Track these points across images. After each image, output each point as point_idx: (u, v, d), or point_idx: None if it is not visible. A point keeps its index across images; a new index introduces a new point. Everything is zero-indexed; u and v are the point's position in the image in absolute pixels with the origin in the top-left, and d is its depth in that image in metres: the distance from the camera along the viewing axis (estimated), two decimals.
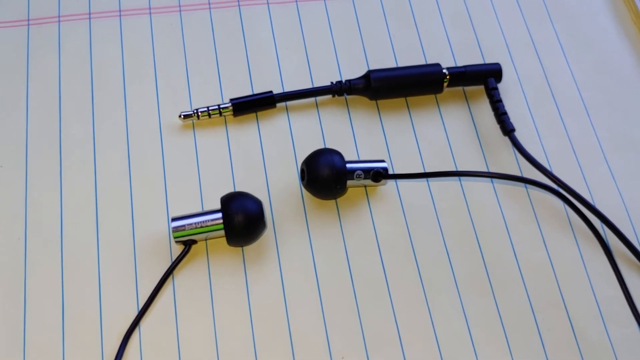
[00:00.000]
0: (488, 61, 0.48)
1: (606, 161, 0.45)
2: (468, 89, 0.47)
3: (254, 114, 0.45)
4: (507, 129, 0.44)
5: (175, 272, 0.40)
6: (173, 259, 0.40)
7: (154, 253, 0.40)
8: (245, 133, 0.45)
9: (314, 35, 0.48)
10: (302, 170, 0.41)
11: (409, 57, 0.48)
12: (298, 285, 0.40)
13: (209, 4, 0.49)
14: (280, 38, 0.48)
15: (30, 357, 0.37)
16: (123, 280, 0.39)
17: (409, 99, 0.46)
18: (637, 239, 0.42)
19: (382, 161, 0.42)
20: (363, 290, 0.40)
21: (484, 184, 0.44)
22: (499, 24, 0.50)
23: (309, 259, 0.41)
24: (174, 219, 0.39)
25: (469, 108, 0.46)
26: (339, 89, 0.45)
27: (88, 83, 0.46)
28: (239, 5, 0.49)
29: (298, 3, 0.50)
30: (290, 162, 0.44)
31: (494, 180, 0.44)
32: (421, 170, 0.44)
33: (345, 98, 0.46)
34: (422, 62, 0.48)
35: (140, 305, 0.39)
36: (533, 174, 0.43)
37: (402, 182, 0.44)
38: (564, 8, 0.51)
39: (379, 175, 0.42)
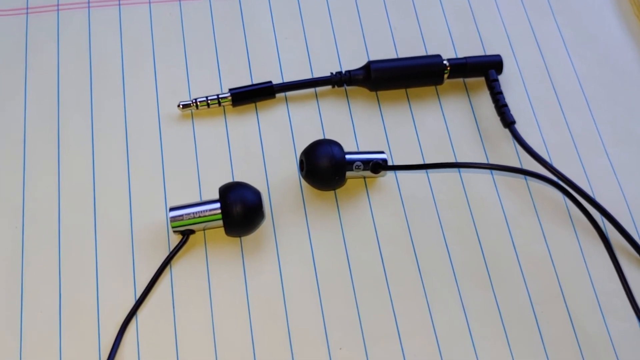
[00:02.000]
0: (489, 53, 0.48)
1: (607, 154, 0.45)
2: (469, 80, 0.47)
3: (253, 105, 0.45)
4: (508, 121, 0.44)
5: (173, 262, 0.40)
6: (171, 249, 0.40)
7: (152, 243, 0.40)
8: (244, 123, 0.44)
9: (314, 25, 0.48)
10: (301, 161, 0.41)
11: (410, 48, 0.48)
12: (296, 276, 0.40)
13: None
14: (280, 28, 0.48)
15: (27, 346, 0.37)
16: (120, 270, 0.39)
17: (409, 90, 0.46)
18: (637, 232, 0.42)
19: (382, 152, 0.42)
20: (361, 281, 0.40)
21: (484, 175, 0.44)
22: (500, 15, 0.50)
23: (307, 249, 0.41)
24: (172, 209, 0.39)
25: (470, 100, 0.46)
26: (339, 80, 0.45)
27: (87, 72, 0.45)
28: None
29: None
30: (290, 153, 0.44)
31: (494, 172, 0.44)
32: (421, 162, 0.44)
33: (345, 89, 0.46)
34: (423, 53, 0.47)
35: (138, 295, 0.39)
36: (533, 166, 0.43)
37: (401, 174, 0.43)
38: (565, 0, 0.51)
39: (379, 166, 0.42)
